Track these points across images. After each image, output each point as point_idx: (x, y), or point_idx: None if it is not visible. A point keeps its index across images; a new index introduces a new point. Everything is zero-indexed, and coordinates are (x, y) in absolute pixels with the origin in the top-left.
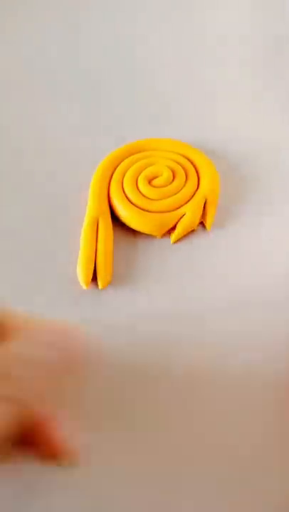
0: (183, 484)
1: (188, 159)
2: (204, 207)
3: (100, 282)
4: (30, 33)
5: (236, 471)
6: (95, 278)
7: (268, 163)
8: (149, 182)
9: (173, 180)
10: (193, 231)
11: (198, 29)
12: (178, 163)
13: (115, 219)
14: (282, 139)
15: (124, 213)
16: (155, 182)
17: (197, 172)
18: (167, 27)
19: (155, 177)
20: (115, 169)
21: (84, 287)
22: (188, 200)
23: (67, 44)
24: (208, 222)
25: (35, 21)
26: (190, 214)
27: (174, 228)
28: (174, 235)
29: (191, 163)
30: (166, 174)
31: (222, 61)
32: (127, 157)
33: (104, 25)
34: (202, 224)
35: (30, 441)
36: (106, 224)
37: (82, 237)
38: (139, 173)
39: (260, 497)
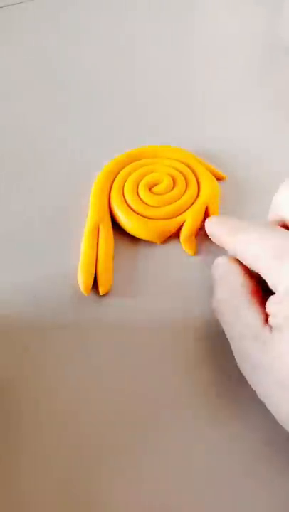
0: None
1: (188, 166)
2: (206, 213)
3: (100, 289)
4: (31, 41)
5: None
6: (95, 284)
7: (267, 169)
8: (150, 189)
9: (173, 187)
10: (195, 237)
11: (198, 39)
12: (178, 170)
13: (116, 226)
14: (281, 145)
15: (125, 220)
16: (155, 189)
17: (197, 179)
18: (167, 37)
19: (155, 184)
20: (116, 176)
21: (84, 294)
22: (189, 207)
23: (68, 53)
24: None
25: (38, 30)
26: (190, 221)
27: (174, 235)
28: (185, 246)
29: (191, 170)
30: (166, 181)
31: (221, 70)
32: (127, 164)
33: (105, 35)
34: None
35: None
36: (107, 231)
37: (83, 244)
38: (140, 181)
39: None
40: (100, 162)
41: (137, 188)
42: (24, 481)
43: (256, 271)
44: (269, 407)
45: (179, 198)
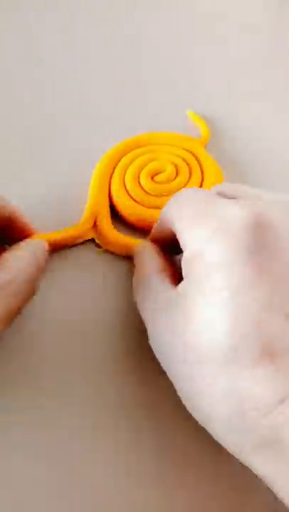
0: None
1: (192, 154)
2: None
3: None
4: (31, 29)
5: None
6: None
7: (271, 158)
8: (152, 178)
9: (176, 176)
10: None
11: (199, 19)
12: (182, 158)
13: (116, 215)
14: (284, 133)
15: (125, 209)
16: (158, 178)
17: (201, 167)
18: (166, 17)
19: (158, 172)
20: (117, 164)
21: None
22: None
23: (67, 41)
24: None
25: (36, 20)
26: None
27: None
28: None
29: (195, 157)
30: (169, 170)
31: (223, 55)
32: (129, 152)
33: (103, 21)
34: None
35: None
36: (105, 221)
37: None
38: (142, 169)
39: None
40: (101, 150)
41: (139, 176)
42: None
43: (174, 231)
44: (179, 393)
45: (182, 187)
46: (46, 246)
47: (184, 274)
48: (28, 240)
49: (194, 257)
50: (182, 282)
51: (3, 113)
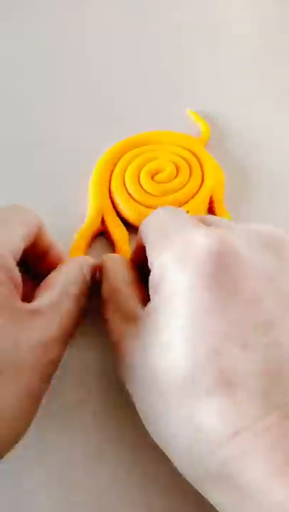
0: None
1: (193, 153)
2: (211, 203)
3: None
4: (33, 25)
5: None
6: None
7: (271, 157)
8: (152, 177)
9: (176, 175)
10: None
11: (200, 18)
12: (182, 157)
13: (116, 214)
14: (285, 132)
15: (125, 209)
16: (158, 177)
17: (201, 166)
18: (167, 15)
19: (158, 172)
20: (117, 163)
21: None
22: (193, 197)
23: (70, 37)
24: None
25: (37, 20)
26: (193, 212)
27: None
28: None
29: (195, 156)
30: (169, 169)
31: (224, 54)
32: (129, 151)
33: (104, 21)
34: None
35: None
36: (112, 219)
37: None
38: (142, 168)
39: None
40: (101, 149)
41: (139, 175)
42: None
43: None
44: (141, 415)
45: (183, 187)
46: (91, 262)
47: (150, 294)
48: (74, 258)
49: (159, 280)
50: (149, 303)
51: (3, 112)
